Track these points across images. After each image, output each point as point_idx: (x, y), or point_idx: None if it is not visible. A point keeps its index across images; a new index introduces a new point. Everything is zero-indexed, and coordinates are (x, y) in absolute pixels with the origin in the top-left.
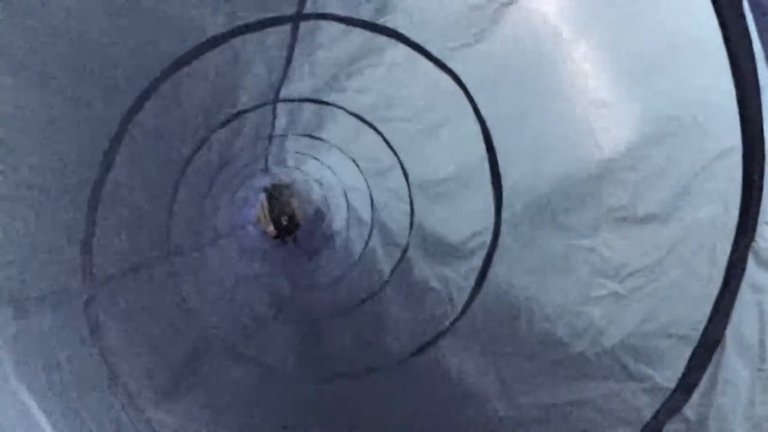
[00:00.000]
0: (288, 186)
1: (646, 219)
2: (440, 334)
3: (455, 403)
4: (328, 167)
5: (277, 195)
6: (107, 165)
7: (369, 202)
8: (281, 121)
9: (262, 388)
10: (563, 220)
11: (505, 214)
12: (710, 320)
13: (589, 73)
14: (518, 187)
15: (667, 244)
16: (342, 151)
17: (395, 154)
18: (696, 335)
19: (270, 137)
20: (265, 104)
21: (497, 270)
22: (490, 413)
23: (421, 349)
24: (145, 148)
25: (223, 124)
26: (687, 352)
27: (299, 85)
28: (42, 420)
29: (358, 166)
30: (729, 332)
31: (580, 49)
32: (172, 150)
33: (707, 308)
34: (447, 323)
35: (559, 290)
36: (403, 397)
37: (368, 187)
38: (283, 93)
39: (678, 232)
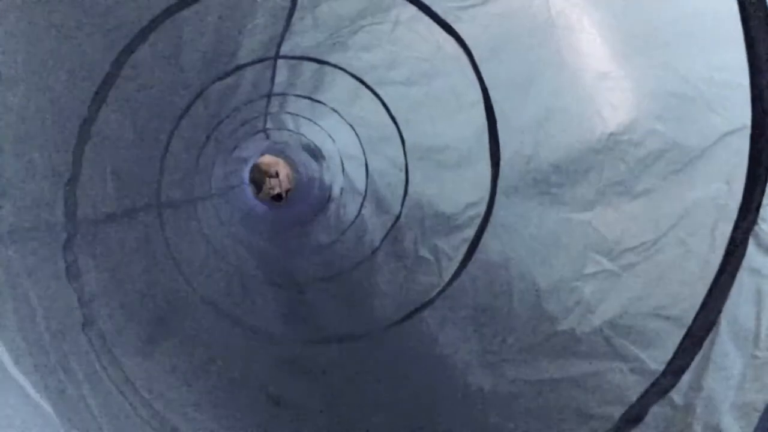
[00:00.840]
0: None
1: (645, 194)
2: (426, 303)
3: (439, 373)
4: (327, 133)
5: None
6: (99, 103)
7: (364, 169)
8: (281, 79)
9: (244, 347)
10: (560, 193)
11: (501, 185)
12: (705, 303)
13: (597, 44)
14: (516, 158)
15: (666, 223)
16: (341, 116)
17: (393, 119)
18: (689, 318)
19: (269, 96)
20: (265, 59)
21: (489, 242)
22: (473, 386)
23: (407, 317)
24: (139, 91)
25: (222, 77)
26: (678, 335)
27: (301, 38)
28: (5, 357)
29: (355, 132)
30: (724, 316)
31: (589, 18)
32: (168, 98)
33: (703, 290)
34: (435, 293)
35: (551, 265)
36: (386, 364)
37: (364, 153)
38: (285, 48)
39: (677, 211)
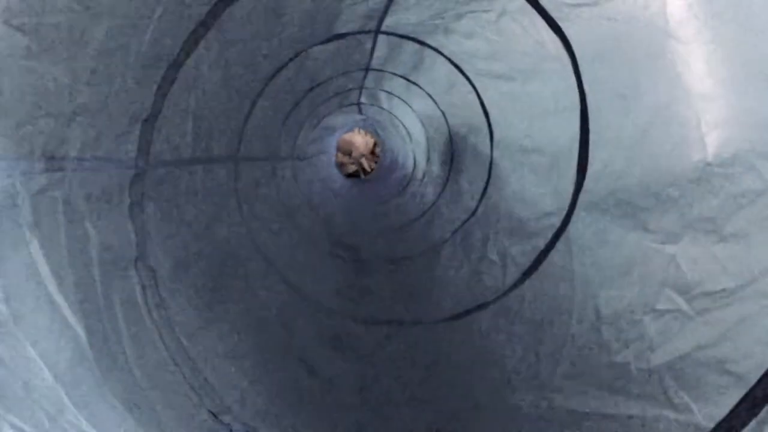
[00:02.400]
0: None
1: (735, 237)
2: (482, 306)
3: (479, 379)
4: (418, 117)
5: (348, 145)
6: (189, 48)
7: (448, 161)
8: (380, 54)
9: (294, 313)
10: (645, 219)
11: (583, 199)
12: None
13: (712, 64)
14: (604, 173)
15: (751, 272)
16: (434, 102)
17: (485, 113)
18: (754, 378)
19: (366, 69)
20: (366, 32)
21: (560, 256)
22: (511, 401)
23: (461, 315)
24: (234, 43)
25: (319, 43)
26: (738, 395)
27: (404, 15)
28: (48, 278)
29: (447, 120)
30: None
31: (710, 33)
32: (262, 54)
33: None
34: (494, 296)
35: (620, 293)
36: (431, 358)
37: (452, 143)
38: (387, 23)
39: (765, 262)
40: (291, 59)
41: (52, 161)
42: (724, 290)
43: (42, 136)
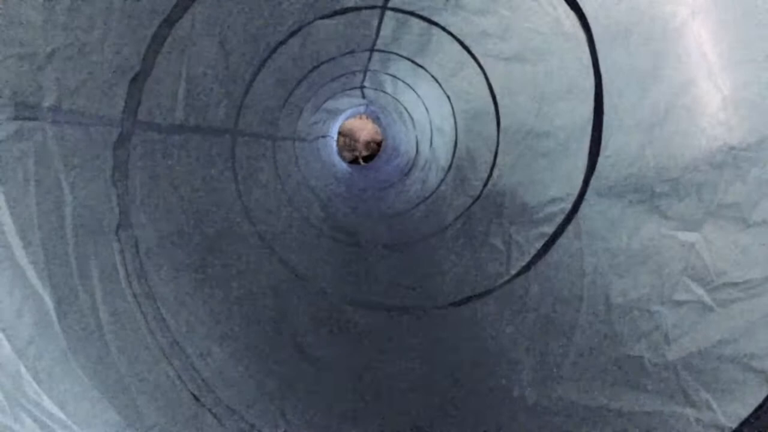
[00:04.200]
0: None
1: (763, 225)
2: (486, 293)
3: (482, 369)
4: (423, 102)
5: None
6: (183, 7)
7: (453, 144)
8: (386, 32)
9: (288, 293)
10: (664, 205)
11: (596, 184)
12: None
13: (732, 47)
14: (619, 157)
15: None
16: (440, 86)
17: (493, 97)
18: None
19: (371, 50)
20: (373, 6)
21: (568, 243)
22: (516, 392)
23: (463, 301)
24: (232, 7)
25: (324, 16)
26: (763, 393)
27: None
28: (13, 238)
29: (452, 105)
30: None
31: (726, 16)
32: (262, 23)
33: None
34: (497, 284)
35: (635, 282)
36: (430, 344)
37: (456, 128)
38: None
39: None
40: (294, 32)
41: (24, 108)
42: (749, 281)
43: (11, 79)
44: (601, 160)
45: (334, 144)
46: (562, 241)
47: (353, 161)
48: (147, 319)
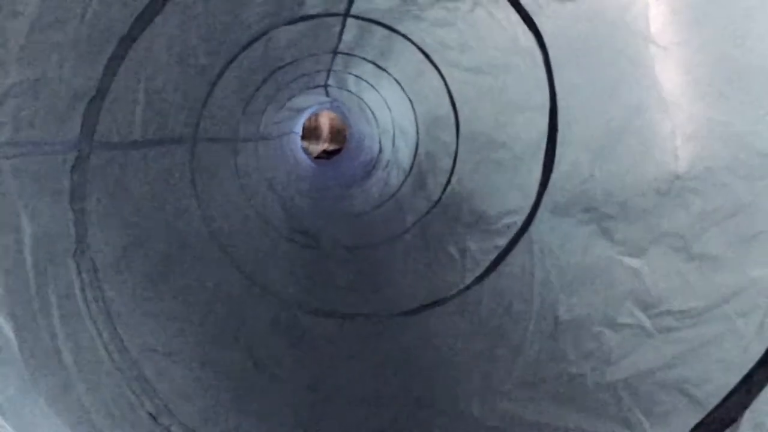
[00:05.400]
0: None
1: (703, 257)
2: (439, 302)
3: (433, 379)
4: (385, 102)
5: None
6: (143, 24)
7: (414, 147)
8: (349, 38)
9: (246, 303)
10: (612, 228)
11: (548, 201)
12: (732, 393)
13: (694, 74)
14: (571, 175)
15: (717, 294)
16: (402, 89)
17: (453, 104)
18: (712, 404)
19: (334, 53)
20: (335, 14)
21: (521, 257)
22: (463, 404)
23: (417, 310)
24: (193, 17)
25: (286, 23)
26: (695, 419)
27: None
28: None
29: (413, 108)
30: (748, 416)
31: (695, 41)
32: (223, 33)
33: (735, 379)
34: (450, 294)
35: (582, 302)
36: (384, 353)
37: (417, 132)
38: (357, 7)
39: (733, 285)
40: (256, 39)
41: None
42: (688, 310)
43: None
44: (554, 176)
45: (299, 140)
46: (514, 254)
47: (318, 156)
48: (105, 341)
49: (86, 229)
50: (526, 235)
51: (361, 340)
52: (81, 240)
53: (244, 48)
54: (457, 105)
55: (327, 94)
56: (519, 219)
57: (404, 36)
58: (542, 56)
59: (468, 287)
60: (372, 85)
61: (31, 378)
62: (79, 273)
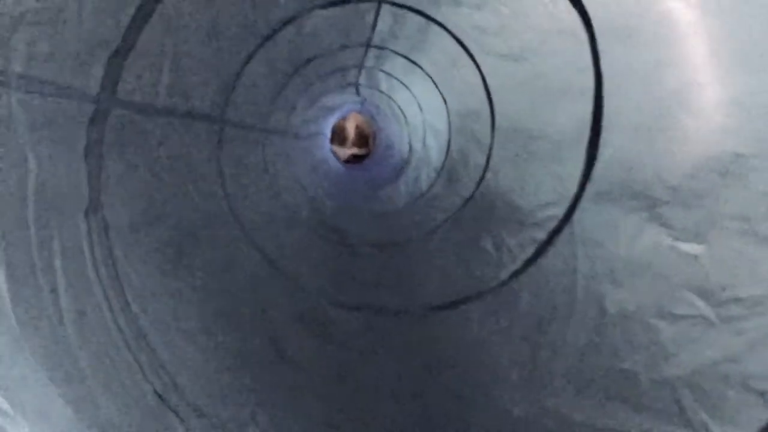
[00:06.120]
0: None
1: None
2: (474, 297)
3: (468, 378)
4: (417, 101)
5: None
6: None
7: (445, 146)
8: (383, 27)
9: (269, 290)
10: (666, 214)
11: (592, 189)
12: None
13: (744, 47)
14: (617, 162)
15: None
16: (435, 85)
17: (488, 95)
18: None
19: (367, 45)
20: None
21: (562, 250)
22: (501, 404)
23: (450, 305)
24: None
25: (320, 6)
26: (765, 417)
27: None
28: None
29: (446, 104)
30: None
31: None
32: (260, 8)
33: None
34: (487, 288)
35: (632, 293)
36: (416, 350)
37: (450, 128)
38: None
39: None
40: (288, 21)
41: None
42: (756, 297)
43: None
44: (598, 164)
45: (327, 142)
46: (555, 246)
47: (347, 160)
48: (112, 306)
49: (100, 190)
50: (567, 227)
51: (390, 334)
52: (95, 201)
53: (276, 31)
54: (493, 97)
55: (358, 94)
56: (559, 211)
57: (440, 24)
58: (587, 36)
59: (505, 282)
60: (403, 83)
61: (22, 332)
62: (89, 233)
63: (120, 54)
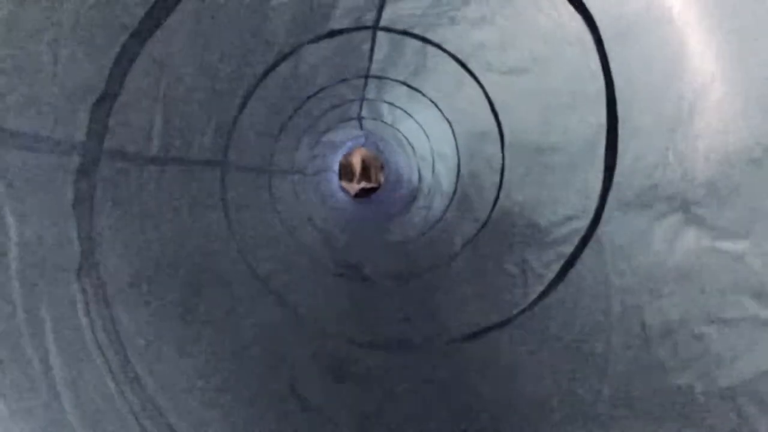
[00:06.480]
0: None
1: None
2: (502, 324)
3: (505, 411)
4: (422, 129)
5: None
6: (156, 18)
7: (455, 170)
8: (380, 57)
9: (284, 335)
10: (701, 213)
11: (616, 198)
12: None
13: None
14: (639, 167)
15: None
16: (439, 110)
17: (495, 114)
18: None
19: (366, 76)
20: (365, 27)
21: (591, 264)
22: None
23: (478, 334)
24: (212, 25)
25: (313, 40)
26: None
27: (405, 4)
28: None
29: (452, 129)
30: None
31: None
32: (250, 44)
33: None
34: (513, 313)
35: (674, 302)
36: (446, 385)
37: (458, 153)
38: (387, 14)
39: None
40: (284, 57)
41: None
42: None
43: None
44: (618, 170)
45: (335, 178)
46: (582, 262)
47: (357, 195)
48: (114, 374)
49: (94, 247)
50: (593, 240)
51: (416, 371)
52: (88, 257)
53: (272, 67)
54: (500, 115)
55: (361, 127)
56: (582, 224)
57: (438, 46)
58: (593, 39)
59: (533, 303)
60: (407, 112)
61: (11, 414)
62: (84, 294)
63: (105, 100)
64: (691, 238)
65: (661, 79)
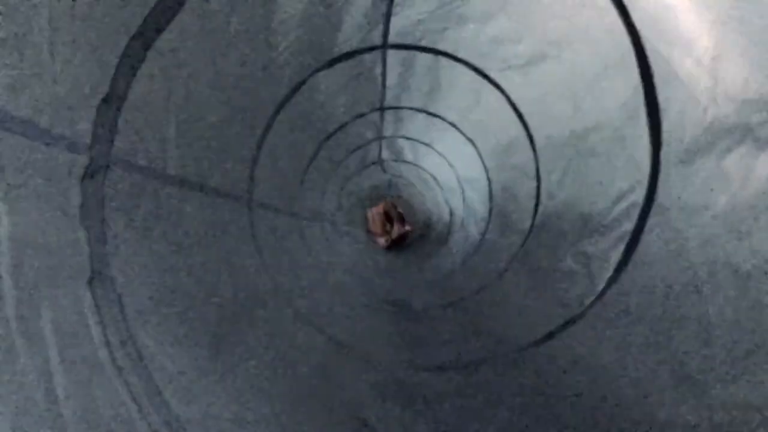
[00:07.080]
0: (395, 200)
1: None
2: (571, 320)
3: (591, 414)
4: (445, 159)
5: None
6: (158, 20)
7: (487, 192)
8: (392, 82)
9: (336, 368)
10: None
11: (668, 153)
12: None
13: None
14: (687, 114)
15: None
16: (461, 132)
17: (520, 117)
18: None
19: (382, 109)
20: (373, 48)
21: (658, 231)
22: (662, 417)
23: (547, 337)
24: (223, 47)
25: (325, 65)
26: None
27: (410, 13)
28: None
29: (476, 147)
30: None
31: None
32: (259, 70)
33: None
34: (586, 305)
35: (765, 236)
36: (515, 396)
37: (486, 171)
38: (394, 25)
39: None
40: (297, 87)
41: None
42: None
43: None
44: (665, 126)
45: (362, 234)
46: (647, 234)
47: (388, 248)
48: (139, 404)
49: (108, 258)
50: (654, 207)
51: (490, 385)
52: (102, 269)
53: (286, 98)
54: (525, 116)
55: (384, 171)
56: (639, 195)
57: (451, 56)
58: (627, 31)
59: (603, 292)
60: (428, 144)
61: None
62: (97, 307)
63: (111, 103)
64: (764, 164)
65: (688, 20)
